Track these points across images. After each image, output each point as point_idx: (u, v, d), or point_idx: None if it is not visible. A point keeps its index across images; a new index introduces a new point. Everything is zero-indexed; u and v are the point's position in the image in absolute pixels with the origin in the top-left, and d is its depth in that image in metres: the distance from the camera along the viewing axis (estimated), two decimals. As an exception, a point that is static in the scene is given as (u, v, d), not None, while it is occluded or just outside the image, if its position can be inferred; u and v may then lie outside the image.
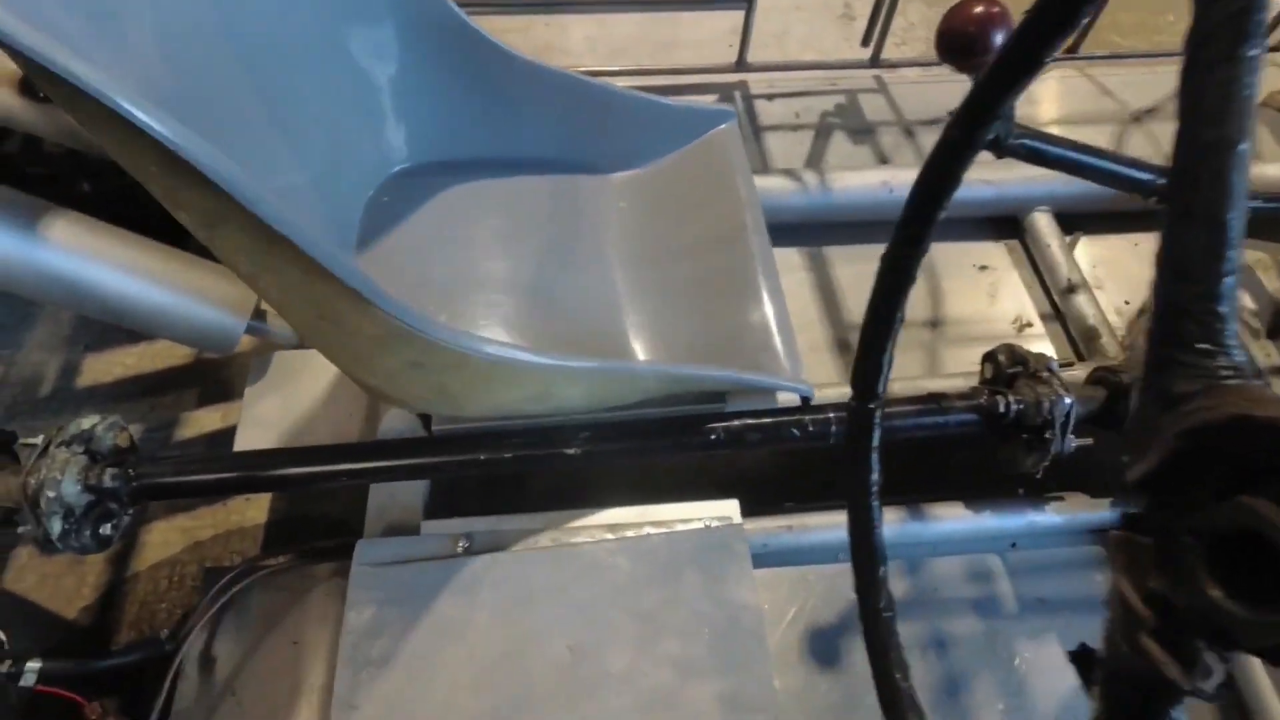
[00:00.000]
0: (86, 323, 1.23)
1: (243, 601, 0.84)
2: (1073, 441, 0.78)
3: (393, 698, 0.67)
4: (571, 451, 0.76)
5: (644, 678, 0.66)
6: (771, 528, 0.84)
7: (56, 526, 0.66)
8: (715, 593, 0.70)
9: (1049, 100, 1.33)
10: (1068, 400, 0.76)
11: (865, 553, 0.41)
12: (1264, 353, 1.03)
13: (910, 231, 0.39)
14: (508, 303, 0.90)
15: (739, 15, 1.36)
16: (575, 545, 0.74)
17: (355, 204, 0.94)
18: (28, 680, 0.64)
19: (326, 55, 0.88)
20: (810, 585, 0.84)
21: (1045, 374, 0.77)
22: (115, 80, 0.43)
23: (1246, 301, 1.06)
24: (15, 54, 0.41)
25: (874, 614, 0.40)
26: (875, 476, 0.42)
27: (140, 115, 0.43)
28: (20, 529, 0.68)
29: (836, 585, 0.84)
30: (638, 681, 0.66)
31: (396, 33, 0.90)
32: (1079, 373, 0.89)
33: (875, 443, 0.42)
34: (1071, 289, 1.04)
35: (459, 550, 0.75)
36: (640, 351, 0.87)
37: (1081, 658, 0.81)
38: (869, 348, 0.42)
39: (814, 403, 0.83)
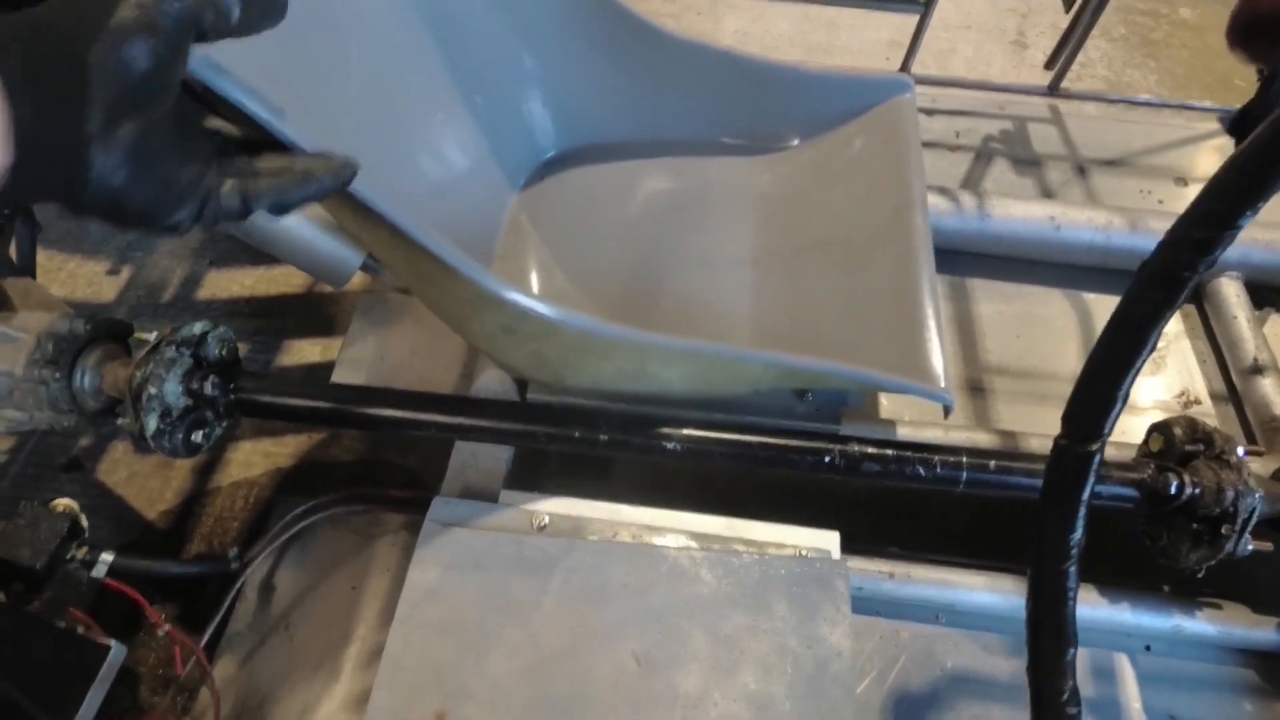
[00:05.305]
0: (214, 239, 1.27)
1: (311, 536, 0.82)
2: (1249, 543, 0.67)
3: (443, 666, 0.63)
4: (670, 446, 0.71)
5: (714, 707, 0.60)
6: (871, 570, 0.76)
7: (152, 424, 0.66)
8: (806, 630, 0.63)
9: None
10: (1257, 494, 0.64)
11: (1052, 627, 0.33)
12: None
13: (1200, 234, 0.30)
14: (629, 284, 0.87)
15: (899, 27, 1.28)
16: (658, 547, 0.69)
17: (506, 198, 0.93)
18: (99, 570, 0.64)
19: (482, 47, 0.88)
20: (904, 644, 0.75)
21: (1234, 459, 0.65)
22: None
23: None
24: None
25: (1056, 708, 0.32)
26: (1078, 536, 0.34)
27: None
28: (119, 420, 0.68)
29: (934, 650, 0.75)
30: (706, 710, 0.60)
31: (548, 17, 0.88)
32: (1263, 466, 0.77)
33: (1086, 494, 0.34)
34: (1257, 369, 0.90)
35: (536, 528, 0.70)
36: (760, 342, 0.81)
37: None
38: (1099, 374, 0.34)
39: (944, 444, 0.75)
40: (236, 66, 0.58)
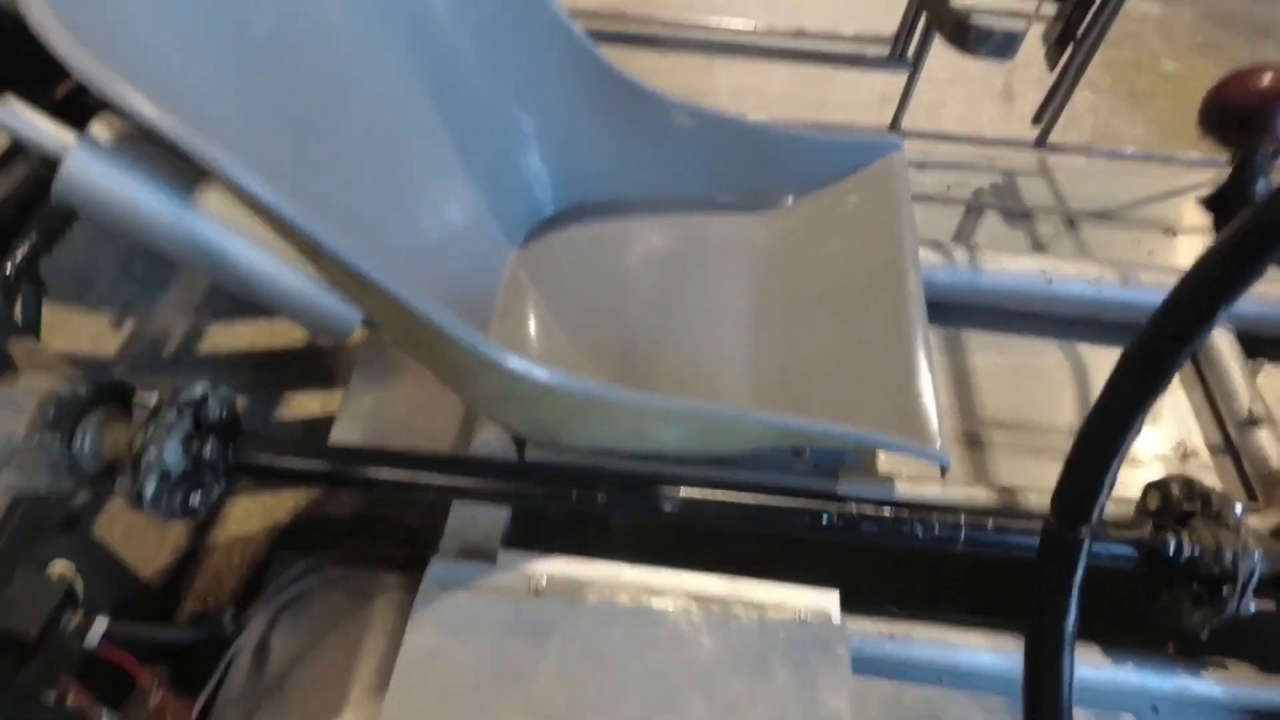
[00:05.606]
0: (218, 292, 1.28)
1: (307, 597, 0.81)
2: (1252, 603, 0.66)
3: (439, 735, 0.63)
4: (668, 507, 0.71)
5: (714, 779, 0.59)
6: (869, 630, 0.75)
7: (150, 488, 0.66)
8: (806, 697, 0.62)
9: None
10: (1256, 554, 0.64)
11: (1048, 713, 0.33)
12: None
13: (1180, 325, 0.31)
14: (627, 340, 0.88)
15: (891, 82, 1.32)
16: (657, 610, 0.68)
17: (505, 256, 0.95)
18: (92, 641, 0.63)
19: (481, 109, 0.90)
20: (906, 707, 0.74)
21: (1231, 518, 0.65)
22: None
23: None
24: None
25: (1054, 798, 0.31)
26: (1072, 621, 0.34)
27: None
28: (118, 480, 0.68)
29: (936, 713, 0.74)
30: (706, 781, 0.59)
31: (546, 81, 0.91)
32: (1261, 521, 0.77)
33: (1079, 579, 0.34)
34: (1252, 421, 0.90)
35: (534, 590, 0.70)
36: (756, 399, 0.81)
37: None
38: (1086, 456, 0.34)
39: (942, 503, 0.75)
40: (240, 132, 0.61)
